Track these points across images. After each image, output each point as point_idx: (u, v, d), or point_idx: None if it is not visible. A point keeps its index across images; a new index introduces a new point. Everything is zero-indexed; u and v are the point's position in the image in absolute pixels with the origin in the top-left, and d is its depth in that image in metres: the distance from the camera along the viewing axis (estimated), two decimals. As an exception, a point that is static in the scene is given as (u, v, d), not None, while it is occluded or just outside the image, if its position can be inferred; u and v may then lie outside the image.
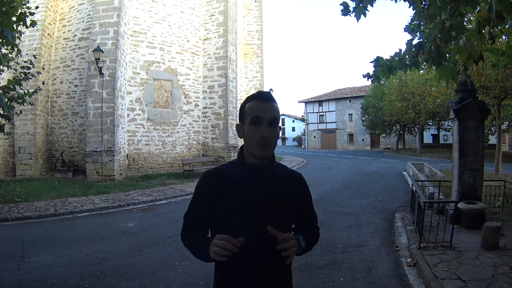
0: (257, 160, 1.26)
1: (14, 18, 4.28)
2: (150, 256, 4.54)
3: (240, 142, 1.56)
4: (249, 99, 1.29)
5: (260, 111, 1.23)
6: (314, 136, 42.81)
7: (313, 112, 43.13)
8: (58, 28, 13.41)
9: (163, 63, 13.72)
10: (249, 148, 1.26)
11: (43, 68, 12.47)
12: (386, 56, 3.09)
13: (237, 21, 16.45)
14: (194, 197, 1.35)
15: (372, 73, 3.17)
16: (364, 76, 3.31)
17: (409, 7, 3.07)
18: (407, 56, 2.92)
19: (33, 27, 6.22)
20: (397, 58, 3.00)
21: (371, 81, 3.28)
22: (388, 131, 31.12)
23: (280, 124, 1.30)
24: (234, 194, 1.24)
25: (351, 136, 40.03)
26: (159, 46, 13.56)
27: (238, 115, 1.34)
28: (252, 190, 1.24)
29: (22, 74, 7.42)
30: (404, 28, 3.36)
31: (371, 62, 3.16)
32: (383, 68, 3.06)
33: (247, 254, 1.15)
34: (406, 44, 2.89)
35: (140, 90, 13.10)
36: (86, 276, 3.87)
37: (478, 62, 2.14)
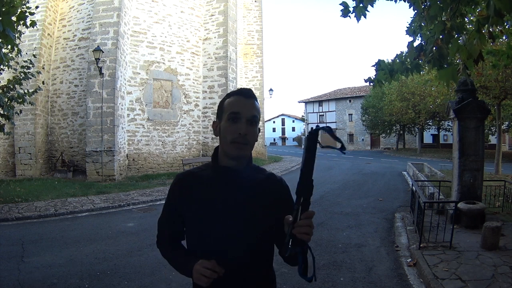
0: (232, 161, 1.16)
1: (14, 18, 4.27)
2: (150, 256, 4.53)
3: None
4: (229, 95, 1.19)
5: (239, 107, 1.13)
6: (314, 136, 42.74)
7: (313, 112, 43.15)
8: (58, 28, 13.41)
9: (163, 63, 13.71)
10: (223, 146, 1.17)
11: (43, 68, 12.46)
12: (386, 58, 3.08)
13: (237, 21, 16.44)
14: (166, 202, 1.28)
15: (374, 77, 3.12)
16: (366, 81, 3.25)
17: (410, 8, 3.06)
18: (408, 59, 2.90)
19: (33, 27, 6.21)
20: (398, 60, 2.98)
21: (373, 85, 3.24)
22: (388, 131, 31.14)
23: (262, 126, 1.18)
24: (205, 199, 1.15)
25: (351, 136, 40.05)
26: (159, 46, 13.55)
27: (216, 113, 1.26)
28: (224, 195, 1.14)
29: (22, 73, 7.41)
30: (406, 31, 3.35)
31: (373, 66, 3.11)
32: (385, 71, 3.03)
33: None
34: (407, 46, 2.87)
35: (140, 90, 13.10)
36: (86, 276, 3.87)
37: (478, 62, 2.12)
